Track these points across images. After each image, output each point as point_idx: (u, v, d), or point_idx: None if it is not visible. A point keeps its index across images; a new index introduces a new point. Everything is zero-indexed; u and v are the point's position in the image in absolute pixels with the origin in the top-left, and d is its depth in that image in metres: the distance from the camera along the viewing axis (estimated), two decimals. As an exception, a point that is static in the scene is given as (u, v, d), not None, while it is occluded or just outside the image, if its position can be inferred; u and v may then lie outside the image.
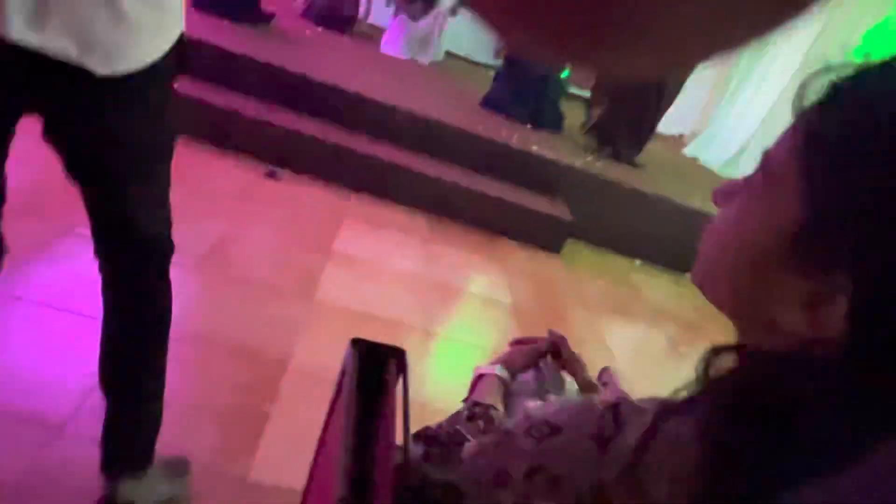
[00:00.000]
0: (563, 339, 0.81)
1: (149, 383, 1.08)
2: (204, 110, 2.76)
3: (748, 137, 5.56)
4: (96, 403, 1.09)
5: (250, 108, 2.87)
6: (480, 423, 0.60)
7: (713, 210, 0.46)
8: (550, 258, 3.08)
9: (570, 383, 0.81)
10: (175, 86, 0.97)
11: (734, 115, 5.81)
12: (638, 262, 3.46)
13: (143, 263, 1.01)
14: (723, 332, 0.44)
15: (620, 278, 3.20)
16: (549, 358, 0.82)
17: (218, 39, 3.04)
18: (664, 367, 2.47)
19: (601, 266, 3.23)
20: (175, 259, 1.04)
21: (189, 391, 1.44)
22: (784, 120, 0.40)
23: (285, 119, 2.91)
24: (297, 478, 0.70)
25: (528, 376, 0.79)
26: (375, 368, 0.49)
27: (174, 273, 1.04)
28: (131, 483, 1.09)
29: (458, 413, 0.63)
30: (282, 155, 2.85)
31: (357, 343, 0.51)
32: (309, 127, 2.93)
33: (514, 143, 3.33)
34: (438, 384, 1.80)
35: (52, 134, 0.89)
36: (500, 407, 0.67)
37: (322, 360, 1.66)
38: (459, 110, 3.76)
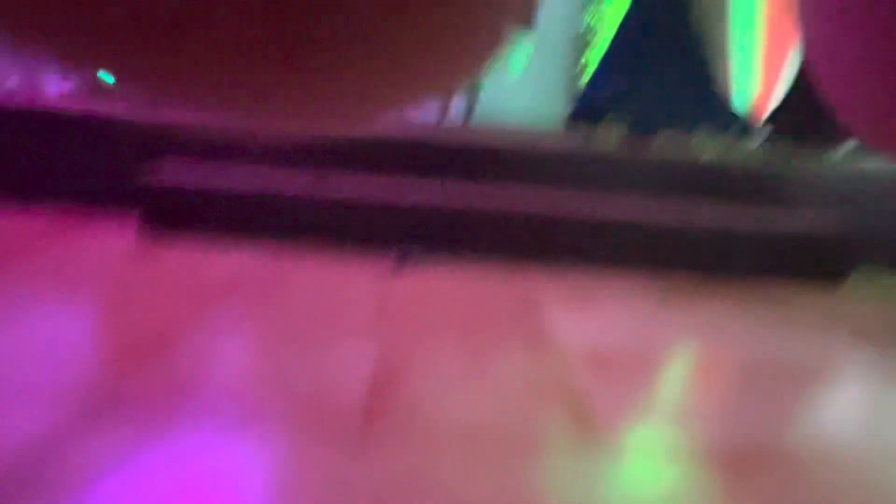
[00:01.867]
0: None
1: None
2: (308, 202, 1.91)
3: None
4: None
5: (349, 179, 1.99)
6: None
7: None
8: (838, 292, 1.98)
9: None
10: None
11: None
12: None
13: None
14: None
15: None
16: None
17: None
18: None
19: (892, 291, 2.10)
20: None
21: None
22: None
23: (405, 192, 2.01)
24: None
25: None
26: None
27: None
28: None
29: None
30: (409, 234, 1.92)
31: None
32: (437, 190, 2.02)
33: (720, 154, 2.34)
34: None
35: None
36: None
37: None
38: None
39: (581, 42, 6.46)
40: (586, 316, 1.62)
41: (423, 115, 2.36)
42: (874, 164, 2.40)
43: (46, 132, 2.22)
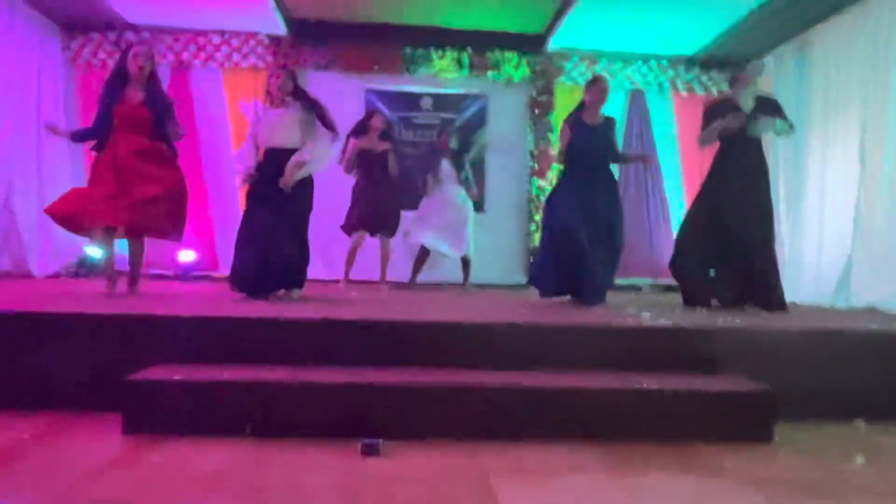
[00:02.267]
0: None
1: None
2: (261, 391, 2.10)
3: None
4: None
5: (318, 374, 2.22)
6: None
7: None
8: (768, 449, 2.18)
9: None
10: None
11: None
12: (860, 423, 2.54)
13: None
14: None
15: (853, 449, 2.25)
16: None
17: (249, 313, 2.53)
18: None
19: (824, 441, 2.31)
20: None
21: None
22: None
23: (364, 376, 2.24)
24: None
25: None
26: None
27: None
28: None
29: None
30: (372, 421, 2.11)
31: None
32: (396, 377, 2.25)
33: (644, 323, 2.65)
34: None
35: None
36: None
37: None
38: (546, 311, 3.16)
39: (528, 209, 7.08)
40: (536, 488, 1.78)
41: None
42: (790, 325, 2.74)
43: (30, 336, 2.40)
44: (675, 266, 3.99)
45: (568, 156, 3.88)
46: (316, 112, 3.64)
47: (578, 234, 3.62)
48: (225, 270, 6.44)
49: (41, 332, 2.40)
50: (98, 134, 3.53)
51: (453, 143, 5.57)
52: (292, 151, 3.55)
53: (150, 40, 6.28)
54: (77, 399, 2.33)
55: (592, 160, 3.84)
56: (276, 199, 3.51)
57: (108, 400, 2.21)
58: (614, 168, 4.13)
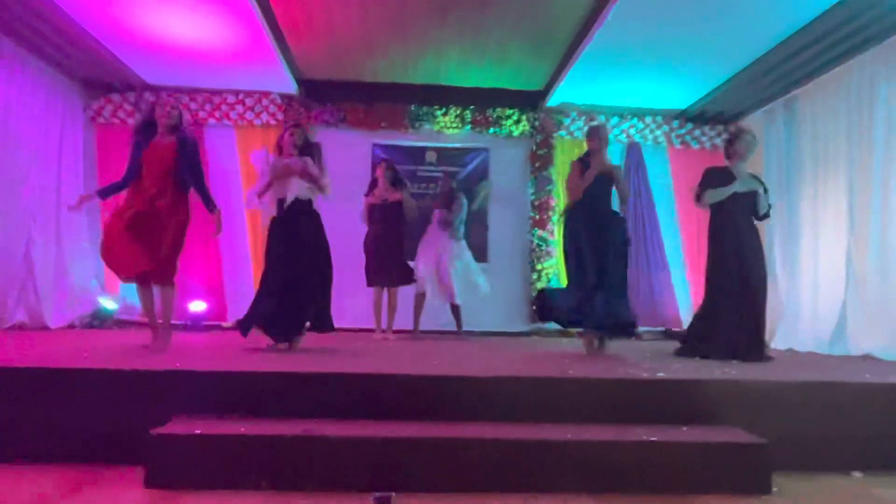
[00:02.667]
0: None
1: None
2: (276, 445, 2.20)
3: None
4: None
5: (331, 428, 2.32)
6: None
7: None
8: (767, 501, 2.25)
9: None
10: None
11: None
12: (858, 474, 2.60)
13: None
14: None
15: (850, 500, 2.32)
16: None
17: (263, 367, 2.65)
18: None
19: (822, 492, 2.38)
20: None
21: None
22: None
23: (377, 429, 2.34)
24: None
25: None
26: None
27: None
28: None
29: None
30: (385, 476, 2.20)
31: None
32: (406, 431, 2.35)
33: (641, 375, 2.76)
34: None
35: None
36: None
37: None
38: (547, 362, 3.27)
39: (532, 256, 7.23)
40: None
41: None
42: (786, 377, 2.83)
43: (54, 390, 2.51)
44: (693, 328, 4.14)
45: (578, 192, 4.06)
46: (314, 156, 3.96)
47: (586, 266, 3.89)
48: (232, 320, 6.57)
49: (62, 387, 2.51)
50: (126, 185, 3.73)
51: (452, 192, 5.72)
52: (304, 202, 3.86)
53: (168, 99, 6.58)
54: (98, 452, 2.42)
55: (597, 203, 4.05)
56: (295, 250, 3.77)
57: (128, 453, 2.31)
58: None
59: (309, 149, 4.01)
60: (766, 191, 4.09)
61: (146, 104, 4.15)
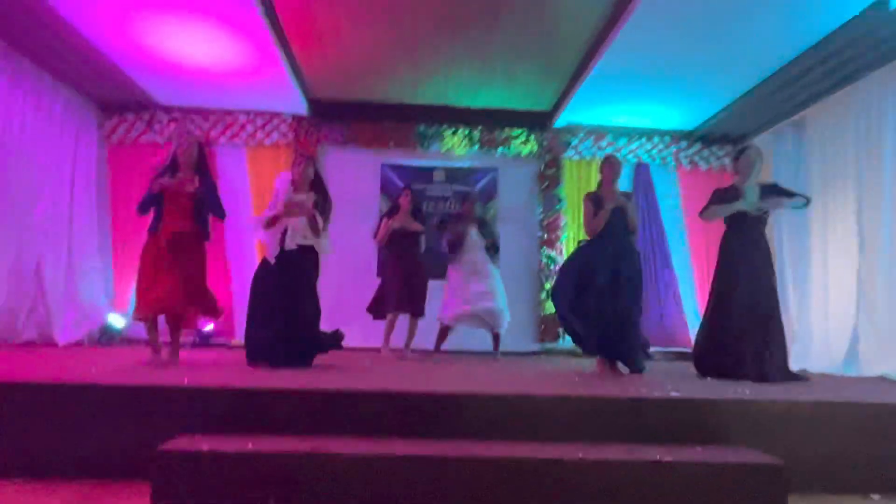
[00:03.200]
0: None
1: None
2: (284, 462, 2.18)
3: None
4: None
5: (338, 445, 2.29)
6: None
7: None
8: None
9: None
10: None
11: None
12: (876, 496, 2.55)
13: None
14: None
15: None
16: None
17: (270, 384, 2.63)
18: None
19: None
20: None
21: None
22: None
23: (384, 447, 2.31)
24: None
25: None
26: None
27: None
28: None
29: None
30: (392, 494, 2.17)
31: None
32: (415, 448, 2.32)
33: (654, 395, 2.72)
34: None
35: None
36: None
37: None
38: (557, 380, 3.23)
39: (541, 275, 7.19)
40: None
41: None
42: (802, 397, 2.79)
43: (62, 406, 2.50)
44: (698, 348, 4.10)
45: (595, 229, 4.10)
46: (324, 206, 3.94)
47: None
48: (240, 338, 6.58)
49: (70, 402, 2.50)
50: (152, 202, 3.87)
51: (478, 211, 5.54)
52: (304, 248, 3.87)
53: (181, 119, 6.68)
54: (105, 468, 2.41)
55: (610, 232, 4.07)
56: (284, 287, 3.80)
57: (135, 469, 2.30)
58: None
59: (321, 188, 4.00)
60: (790, 194, 4.04)
61: (174, 139, 4.29)
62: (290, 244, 3.83)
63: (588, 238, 4.22)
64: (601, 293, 3.91)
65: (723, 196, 4.08)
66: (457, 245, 5.29)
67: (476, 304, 5.11)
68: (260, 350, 3.76)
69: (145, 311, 3.77)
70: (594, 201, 4.13)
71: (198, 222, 3.87)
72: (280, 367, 3.65)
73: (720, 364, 3.84)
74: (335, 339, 3.97)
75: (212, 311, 4.00)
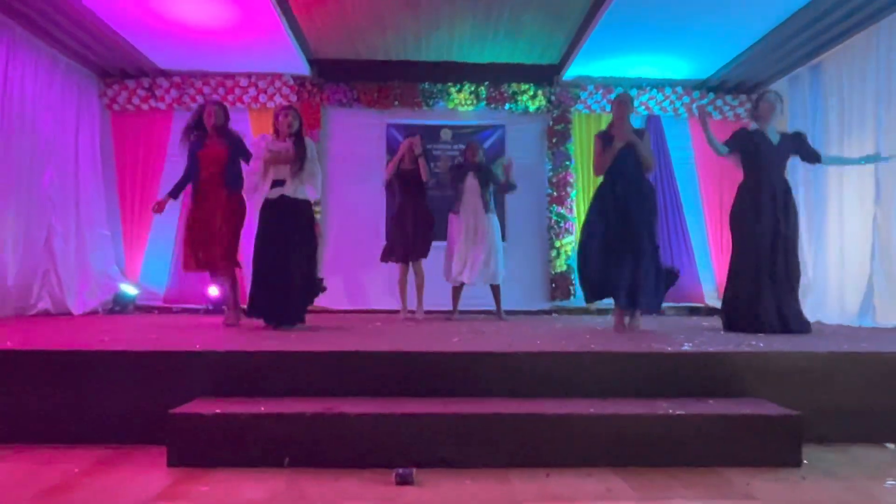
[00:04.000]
0: None
1: None
2: (297, 423, 2.19)
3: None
4: None
5: (351, 406, 2.30)
6: None
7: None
8: (797, 473, 2.20)
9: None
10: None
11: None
12: (891, 446, 2.54)
13: None
14: None
15: (883, 472, 2.25)
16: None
17: (282, 346, 2.63)
18: None
19: (854, 464, 2.32)
20: None
21: None
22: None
23: (397, 406, 2.32)
24: None
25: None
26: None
27: None
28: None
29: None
30: (407, 453, 2.18)
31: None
32: (427, 407, 2.33)
33: (667, 349, 2.70)
34: None
35: None
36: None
37: None
38: (569, 337, 3.22)
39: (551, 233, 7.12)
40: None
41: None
42: (816, 348, 2.76)
43: (75, 373, 2.52)
44: (725, 300, 4.04)
45: (601, 168, 4.01)
46: (304, 154, 4.02)
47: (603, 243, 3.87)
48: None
49: (85, 369, 2.53)
50: (188, 180, 4.32)
51: (480, 156, 5.42)
52: (295, 201, 3.97)
53: (181, 84, 6.58)
54: (123, 433, 2.44)
55: (620, 170, 3.94)
56: (284, 240, 3.90)
57: (152, 433, 2.33)
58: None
59: (300, 140, 4.03)
60: (802, 140, 4.03)
61: (194, 109, 4.58)
62: (275, 194, 3.94)
63: (598, 178, 4.11)
64: (609, 243, 3.82)
65: (740, 139, 3.99)
66: (455, 190, 5.34)
67: (474, 264, 5.18)
68: (256, 307, 3.92)
69: (192, 267, 4.25)
70: (603, 139, 4.01)
71: (229, 181, 4.20)
72: (275, 325, 3.88)
73: (748, 318, 3.78)
74: (317, 287, 4.12)
75: (227, 270, 4.30)
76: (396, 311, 5.47)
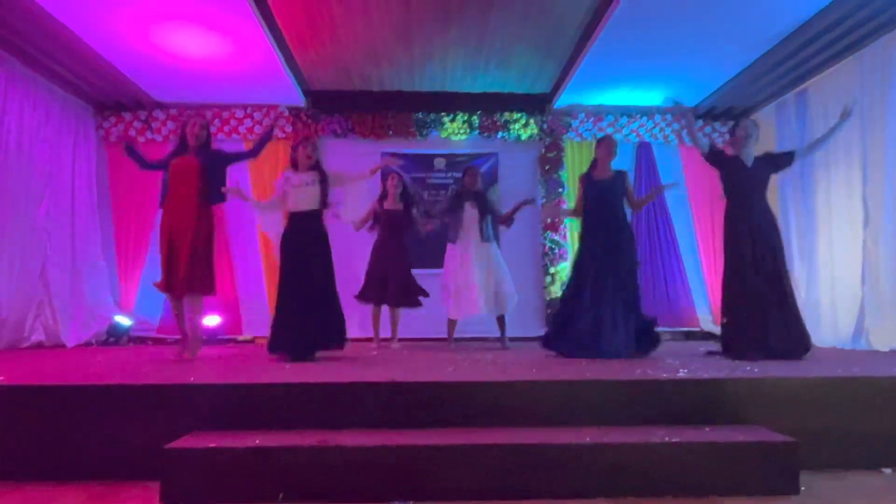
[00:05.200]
0: None
1: None
2: (292, 456, 2.18)
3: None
4: None
5: (346, 438, 2.29)
6: None
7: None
8: (795, 501, 2.18)
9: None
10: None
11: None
12: (888, 470, 2.53)
13: None
14: None
15: (881, 497, 2.25)
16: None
17: (277, 378, 2.62)
18: None
19: (852, 490, 2.31)
20: None
21: None
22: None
23: (392, 438, 2.30)
24: None
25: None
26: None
27: None
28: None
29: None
30: (402, 484, 2.16)
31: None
32: (423, 439, 2.31)
33: (662, 376, 2.70)
34: None
35: None
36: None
37: None
38: (564, 365, 3.22)
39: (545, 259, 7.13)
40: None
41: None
42: (810, 373, 2.77)
43: (68, 408, 2.50)
44: (723, 326, 4.09)
45: (584, 210, 4.27)
46: (325, 184, 4.08)
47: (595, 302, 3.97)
48: (248, 333, 6.58)
49: (78, 404, 2.51)
50: (163, 198, 4.08)
51: (479, 183, 5.29)
52: (313, 213, 3.98)
53: (178, 116, 6.64)
54: (114, 469, 2.41)
55: (605, 212, 4.15)
56: (307, 264, 3.89)
57: (145, 468, 2.30)
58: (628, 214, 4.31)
59: (322, 172, 4.10)
60: (775, 157, 4.15)
61: (181, 124, 4.50)
62: (300, 208, 3.97)
63: (580, 221, 4.34)
64: (597, 295, 3.95)
65: (724, 159, 4.13)
66: (452, 219, 5.15)
67: (479, 304, 4.96)
68: (282, 341, 3.85)
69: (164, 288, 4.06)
70: (584, 183, 4.30)
71: (202, 195, 4.01)
72: (301, 359, 3.75)
73: (749, 343, 3.79)
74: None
75: (192, 289, 4.02)
76: (370, 340, 5.49)
